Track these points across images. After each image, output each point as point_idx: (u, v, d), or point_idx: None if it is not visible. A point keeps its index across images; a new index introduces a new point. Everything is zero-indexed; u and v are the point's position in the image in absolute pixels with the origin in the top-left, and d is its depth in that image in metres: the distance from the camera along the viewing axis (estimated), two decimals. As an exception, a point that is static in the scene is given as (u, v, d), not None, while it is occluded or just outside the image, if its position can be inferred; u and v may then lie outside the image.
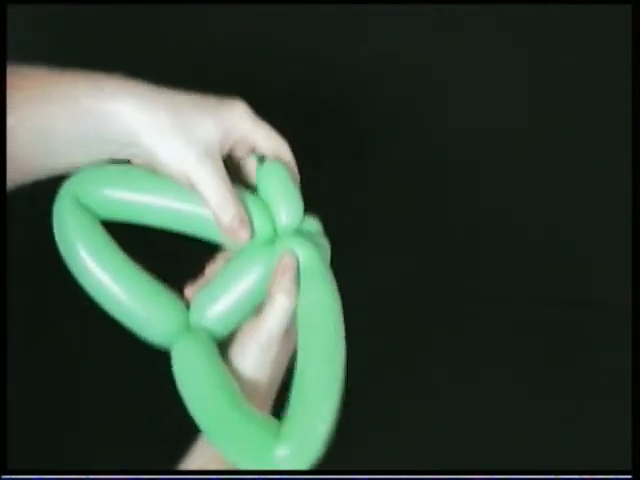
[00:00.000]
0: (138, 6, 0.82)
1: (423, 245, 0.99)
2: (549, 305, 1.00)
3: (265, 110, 0.87)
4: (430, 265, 1.01)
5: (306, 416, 0.47)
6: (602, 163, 0.93)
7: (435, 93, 0.90)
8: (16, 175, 0.51)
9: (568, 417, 0.90)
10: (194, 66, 0.87)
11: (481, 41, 0.86)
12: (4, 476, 0.52)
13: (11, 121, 0.49)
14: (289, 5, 0.82)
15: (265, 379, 0.51)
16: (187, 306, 0.53)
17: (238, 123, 0.51)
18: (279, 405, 0.51)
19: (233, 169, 0.53)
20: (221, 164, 0.50)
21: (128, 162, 0.53)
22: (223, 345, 0.52)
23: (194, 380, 0.50)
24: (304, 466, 0.47)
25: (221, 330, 0.52)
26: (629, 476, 0.58)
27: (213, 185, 0.49)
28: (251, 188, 0.54)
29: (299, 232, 0.52)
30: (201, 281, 0.54)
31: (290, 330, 0.50)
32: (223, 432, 0.48)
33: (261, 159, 0.53)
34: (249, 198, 0.52)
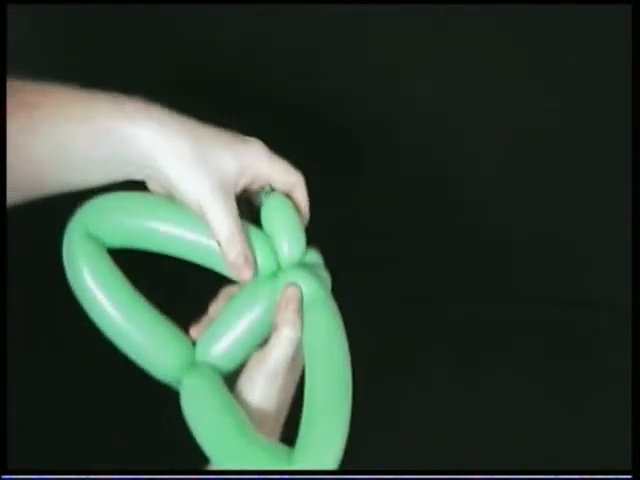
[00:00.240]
0: (138, 6, 0.82)
1: (423, 245, 0.99)
2: (549, 305, 1.00)
3: (265, 110, 0.87)
4: (430, 265, 1.01)
5: (318, 439, 0.47)
6: (602, 163, 0.93)
7: (435, 93, 0.90)
8: (32, 190, 0.52)
9: (568, 417, 0.90)
10: (194, 66, 0.87)
11: (481, 41, 0.86)
12: (4, 476, 0.52)
13: (30, 138, 0.49)
14: (289, 5, 0.82)
15: (273, 408, 0.51)
16: (193, 343, 0.55)
17: (255, 161, 0.52)
18: (287, 431, 0.52)
19: (244, 200, 0.54)
20: (233, 200, 0.51)
21: (143, 183, 0.54)
22: (231, 378, 0.53)
23: (202, 413, 0.50)
24: None
25: (227, 365, 0.53)
26: (629, 476, 0.58)
27: (223, 221, 0.50)
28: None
29: (301, 265, 0.53)
30: (205, 320, 0.55)
31: (296, 359, 0.52)
32: (232, 460, 0.48)
33: (267, 192, 0.54)
34: (253, 232, 0.53)
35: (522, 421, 0.90)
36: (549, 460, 0.84)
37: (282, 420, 0.54)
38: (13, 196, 0.52)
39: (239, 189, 0.52)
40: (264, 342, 0.52)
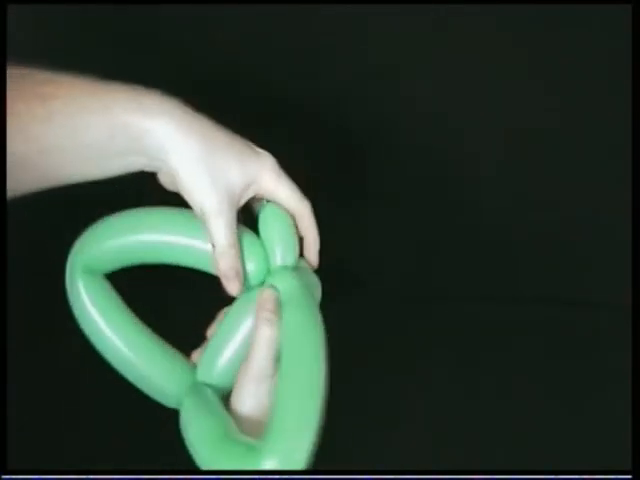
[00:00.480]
0: (138, 6, 0.82)
1: (423, 245, 0.99)
2: (549, 305, 1.00)
3: (265, 110, 0.87)
4: (430, 265, 1.01)
5: (280, 438, 0.47)
6: (602, 163, 0.93)
7: (435, 93, 0.90)
8: (44, 181, 0.52)
9: (568, 417, 0.90)
10: (194, 66, 0.87)
11: (481, 41, 0.86)
12: (4, 476, 0.52)
13: (44, 128, 0.49)
14: (289, 5, 0.82)
15: (264, 409, 0.51)
16: (194, 365, 0.56)
17: (263, 177, 0.52)
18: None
19: (245, 207, 0.54)
20: (235, 214, 0.52)
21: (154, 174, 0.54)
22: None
23: (192, 424, 0.51)
24: None
25: (228, 382, 0.54)
26: (629, 476, 0.58)
27: (222, 233, 0.51)
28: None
29: (286, 268, 0.53)
30: (204, 345, 0.56)
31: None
32: (207, 462, 0.49)
33: (265, 202, 0.54)
34: (249, 239, 0.54)
35: (522, 421, 0.90)
36: (549, 460, 0.84)
37: None
38: (24, 187, 0.52)
39: (243, 202, 0.53)
40: None
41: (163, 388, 0.55)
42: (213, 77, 0.87)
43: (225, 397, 0.54)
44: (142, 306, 0.58)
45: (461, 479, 0.61)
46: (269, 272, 0.54)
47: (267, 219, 0.54)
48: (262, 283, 0.54)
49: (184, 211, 0.54)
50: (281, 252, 0.53)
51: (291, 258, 0.53)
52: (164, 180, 0.54)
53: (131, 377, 0.56)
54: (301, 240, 0.56)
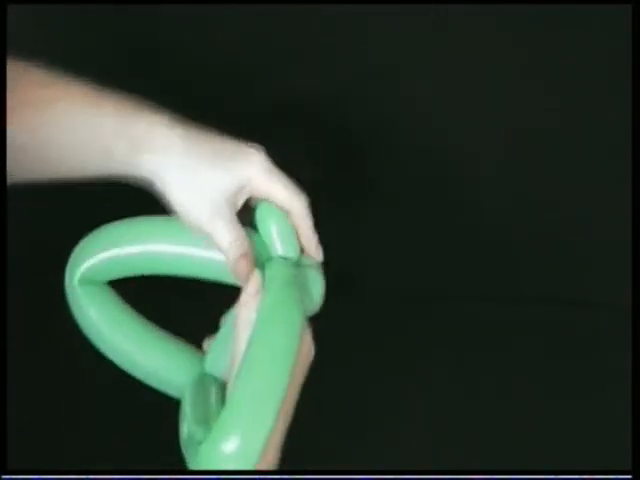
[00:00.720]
0: (138, 6, 0.82)
1: (423, 245, 0.99)
2: (549, 305, 1.00)
3: (265, 110, 0.87)
4: (430, 265, 1.01)
5: (247, 410, 0.45)
6: (602, 163, 0.93)
7: (435, 93, 0.90)
8: (47, 172, 0.53)
9: (568, 417, 0.90)
10: (194, 66, 0.87)
11: (481, 41, 0.86)
12: (4, 476, 0.52)
13: (40, 139, 0.51)
14: (289, 5, 0.82)
15: None
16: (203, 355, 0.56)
17: (254, 177, 0.52)
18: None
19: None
20: (234, 218, 0.52)
21: None
22: None
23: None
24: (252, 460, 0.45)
25: None
26: (629, 476, 0.58)
27: (224, 235, 0.51)
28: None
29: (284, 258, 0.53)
30: (215, 335, 0.56)
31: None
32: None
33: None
34: (252, 237, 0.53)
35: (522, 421, 0.90)
36: (549, 460, 0.83)
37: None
38: (25, 173, 0.53)
39: (240, 205, 0.53)
40: None
41: (170, 380, 0.55)
42: (213, 77, 0.87)
43: None
44: (147, 316, 0.58)
45: (461, 479, 0.61)
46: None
47: (262, 218, 0.53)
48: None
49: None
50: (280, 246, 0.53)
51: (291, 250, 0.53)
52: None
53: (138, 373, 0.56)
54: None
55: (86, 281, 0.55)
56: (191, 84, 0.87)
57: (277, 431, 0.47)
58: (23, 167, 0.53)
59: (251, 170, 0.52)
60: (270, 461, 0.48)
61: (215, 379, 0.54)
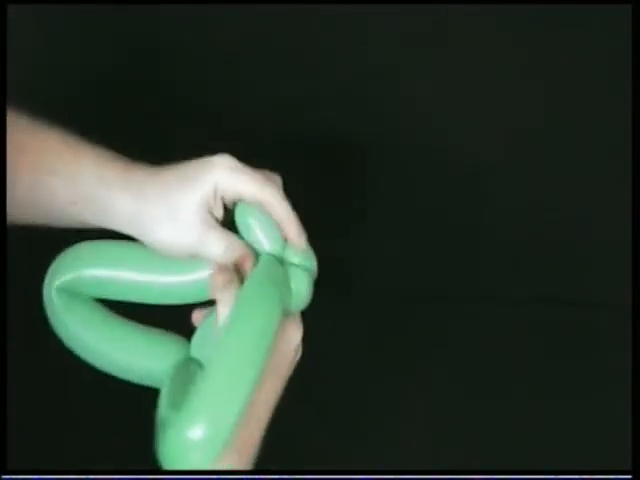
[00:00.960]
0: (138, 6, 0.82)
1: (423, 245, 0.99)
2: (549, 305, 1.00)
3: (265, 110, 0.87)
4: (430, 265, 1.01)
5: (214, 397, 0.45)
6: (602, 163, 0.93)
7: (435, 93, 0.90)
8: (18, 219, 0.55)
9: (568, 417, 0.90)
10: (194, 66, 0.87)
11: (481, 41, 0.86)
12: (4, 476, 0.52)
13: (14, 184, 0.52)
14: (289, 5, 0.82)
15: None
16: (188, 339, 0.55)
17: (219, 179, 0.52)
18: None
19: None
20: (215, 225, 0.52)
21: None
22: None
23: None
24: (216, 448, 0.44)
25: None
26: (629, 476, 0.58)
27: (213, 250, 0.51)
28: None
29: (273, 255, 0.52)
30: (206, 310, 0.55)
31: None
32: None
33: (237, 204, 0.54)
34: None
35: (522, 421, 0.90)
36: (549, 460, 0.83)
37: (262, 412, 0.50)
38: (11, 218, 0.54)
39: (219, 212, 0.53)
40: None
41: (153, 373, 0.54)
42: (213, 77, 0.87)
43: None
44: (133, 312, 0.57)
45: (461, 479, 0.61)
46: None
47: (239, 218, 0.53)
48: None
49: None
50: (263, 239, 0.52)
51: (273, 241, 0.52)
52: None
53: (117, 370, 0.55)
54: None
55: (64, 293, 0.55)
56: (191, 84, 0.87)
57: (251, 422, 0.46)
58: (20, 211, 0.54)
59: (215, 174, 0.52)
60: (245, 455, 0.47)
61: (200, 364, 0.53)
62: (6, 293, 0.60)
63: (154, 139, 0.76)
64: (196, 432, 0.43)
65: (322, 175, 0.89)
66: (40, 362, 0.87)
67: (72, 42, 0.86)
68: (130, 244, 0.55)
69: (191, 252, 0.52)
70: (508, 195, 0.97)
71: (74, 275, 0.55)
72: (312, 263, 0.54)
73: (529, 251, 0.99)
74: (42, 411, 0.85)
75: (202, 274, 0.53)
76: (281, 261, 0.52)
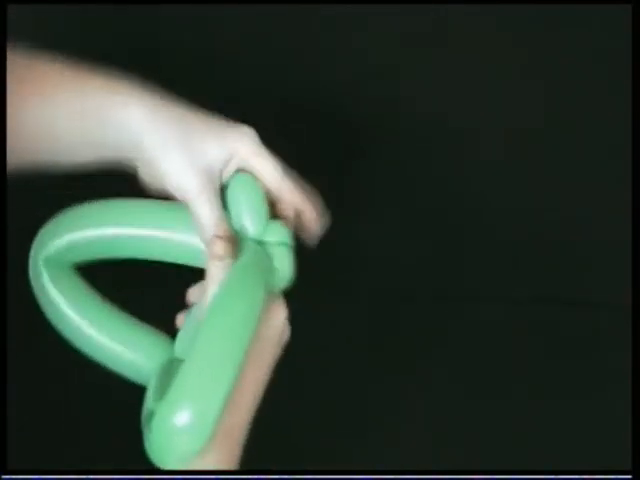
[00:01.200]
0: (138, 6, 0.82)
1: (423, 245, 0.99)
2: (549, 305, 1.00)
3: (264, 110, 0.87)
4: (430, 265, 1.01)
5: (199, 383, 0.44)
6: (602, 163, 0.93)
7: (435, 93, 0.90)
8: (23, 165, 0.52)
9: (568, 417, 0.90)
10: (194, 66, 0.87)
11: (481, 41, 0.86)
12: (4, 476, 0.52)
13: (20, 114, 0.49)
14: (289, 5, 0.82)
15: None
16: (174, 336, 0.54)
17: (242, 150, 0.51)
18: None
19: None
20: (217, 189, 0.51)
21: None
22: None
23: None
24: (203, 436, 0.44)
25: None
26: (629, 476, 0.58)
27: (206, 208, 0.50)
28: None
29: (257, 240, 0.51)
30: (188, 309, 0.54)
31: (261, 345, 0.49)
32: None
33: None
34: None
35: (522, 421, 0.90)
36: (549, 460, 0.83)
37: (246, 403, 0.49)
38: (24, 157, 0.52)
39: (225, 177, 0.52)
40: None
41: (136, 366, 0.54)
42: (213, 77, 0.87)
43: None
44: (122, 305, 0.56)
45: (461, 479, 0.61)
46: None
47: (233, 188, 0.52)
48: None
49: (157, 202, 0.53)
50: (249, 222, 0.51)
51: (257, 224, 0.51)
52: (145, 179, 0.53)
53: (102, 358, 0.54)
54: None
55: (51, 263, 0.54)
56: (191, 84, 0.87)
57: (238, 407, 0.46)
58: (25, 149, 0.51)
59: (241, 141, 0.51)
60: (234, 441, 0.46)
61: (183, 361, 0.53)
62: (6, 293, 0.60)
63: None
64: (182, 417, 0.43)
65: (322, 175, 0.89)
66: (40, 362, 0.87)
67: (72, 42, 0.86)
68: (116, 201, 0.53)
69: (180, 198, 0.50)
70: (508, 195, 0.96)
71: (61, 241, 0.53)
72: (291, 238, 0.52)
73: (529, 251, 0.99)
74: (42, 411, 0.85)
75: (194, 238, 0.52)
76: (262, 242, 0.51)
